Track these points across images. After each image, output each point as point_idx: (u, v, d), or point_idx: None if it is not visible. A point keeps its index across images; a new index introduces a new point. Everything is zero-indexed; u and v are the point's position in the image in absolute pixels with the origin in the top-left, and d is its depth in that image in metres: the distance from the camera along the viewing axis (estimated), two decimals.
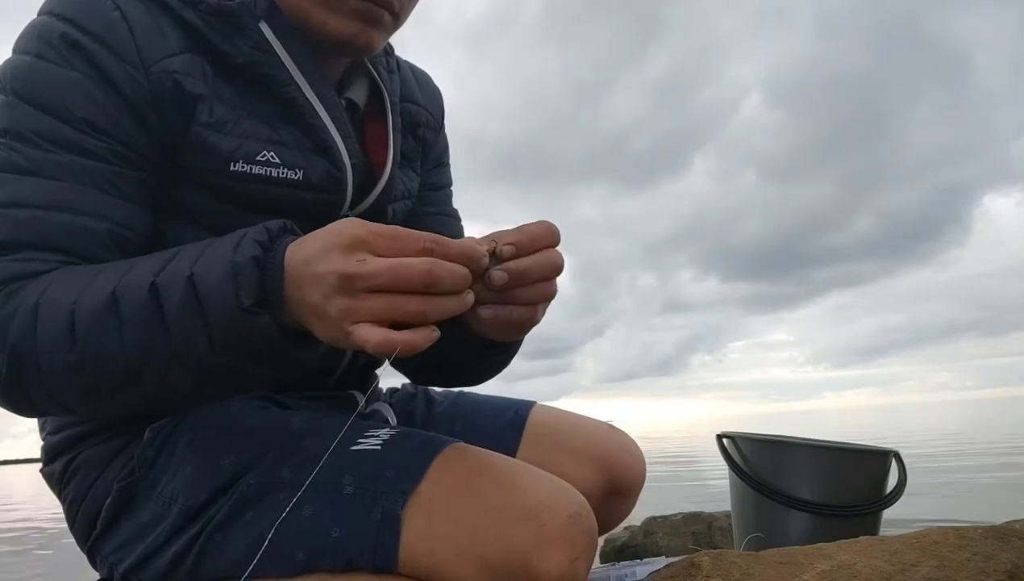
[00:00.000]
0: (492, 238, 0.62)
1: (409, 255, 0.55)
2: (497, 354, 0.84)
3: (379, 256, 0.55)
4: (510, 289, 0.63)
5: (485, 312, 0.64)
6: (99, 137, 0.67)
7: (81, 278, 0.62)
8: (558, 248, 0.65)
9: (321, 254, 0.57)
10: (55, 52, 0.67)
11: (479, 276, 0.61)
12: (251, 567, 0.61)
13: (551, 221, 0.66)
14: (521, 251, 0.62)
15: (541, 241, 0.63)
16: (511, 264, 0.62)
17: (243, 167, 0.72)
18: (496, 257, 0.62)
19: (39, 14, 0.71)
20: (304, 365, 0.63)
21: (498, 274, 0.62)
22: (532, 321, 0.67)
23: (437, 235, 0.57)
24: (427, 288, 0.55)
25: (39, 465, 0.83)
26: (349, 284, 0.55)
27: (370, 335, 0.55)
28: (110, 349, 0.59)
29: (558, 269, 0.64)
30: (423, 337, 0.56)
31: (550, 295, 0.66)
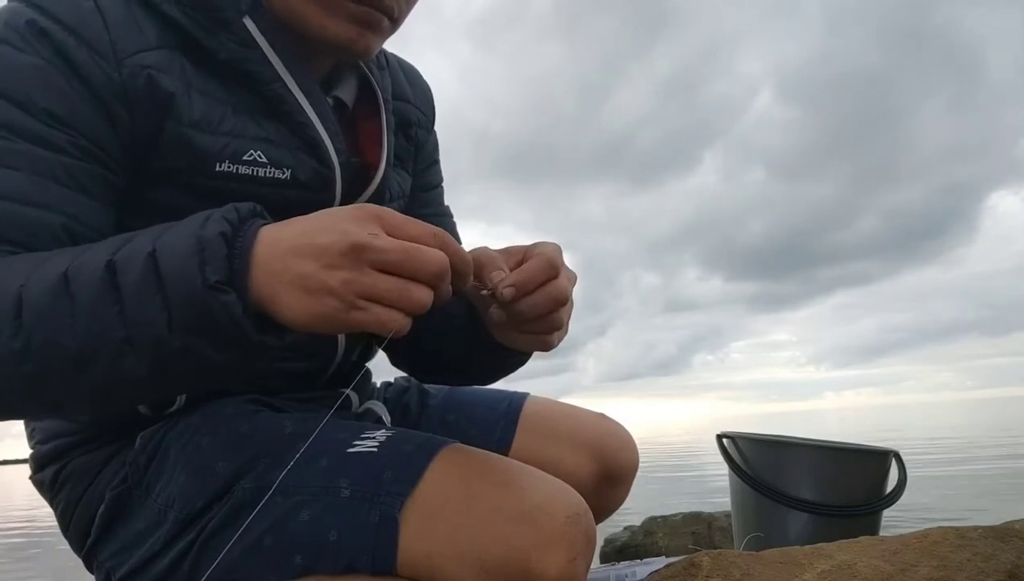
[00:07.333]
0: (492, 277, 0.64)
1: (421, 243, 0.55)
2: (517, 354, 0.83)
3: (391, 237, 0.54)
4: (517, 323, 0.66)
5: (496, 314, 0.66)
6: (61, 129, 0.64)
7: (31, 262, 0.58)
8: (566, 277, 0.67)
9: (326, 225, 0.54)
10: (20, 38, 0.64)
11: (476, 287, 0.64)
12: (209, 568, 0.61)
13: (555, 244, 0.68)
14: (521, 291, 0.64)
15: (540, 277, 0.65)
16: (512, 306, 0.65)
17: (230, 167, 0.70)
18: (496, 299, 0.64)
19: None
20: (265, 355, 0.58)
21: (497, 312, 0.66)
22: (547, 346, 0.70)
23: (444, 231, 0.57)
24: (434, 279, 0.55)
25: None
26: (358, 254, 0.53)
27: (391, 317, 0.54)
28: (59, 333, 0.55)
29: (560, 302, 0.66)
30: (408, 324, 0.56)
31: (557, 326, 0.68)
